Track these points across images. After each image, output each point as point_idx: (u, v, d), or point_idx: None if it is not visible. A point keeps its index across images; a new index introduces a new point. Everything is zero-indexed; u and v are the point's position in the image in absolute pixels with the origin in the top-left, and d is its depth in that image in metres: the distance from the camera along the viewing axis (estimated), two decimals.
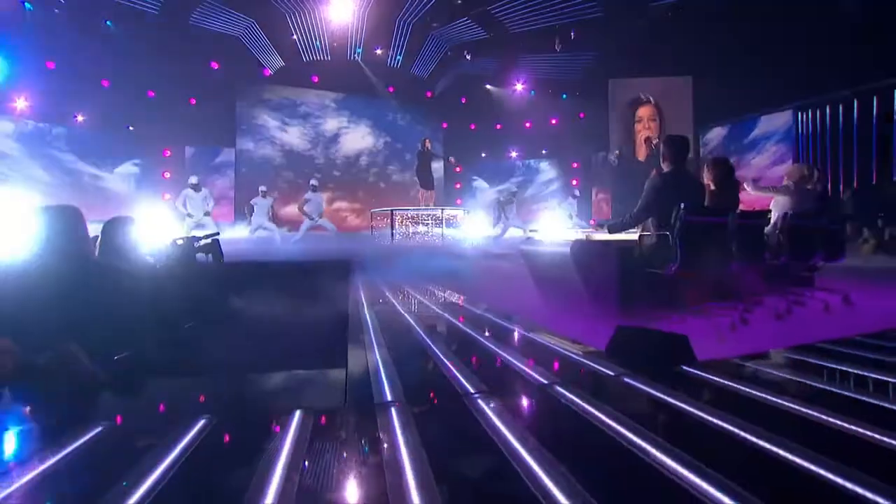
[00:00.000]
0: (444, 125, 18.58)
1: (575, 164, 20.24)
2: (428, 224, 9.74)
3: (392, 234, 9.43)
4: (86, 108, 13.57)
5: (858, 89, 11.61)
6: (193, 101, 15.18)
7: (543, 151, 20.45)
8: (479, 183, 20.46)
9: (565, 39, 13.90)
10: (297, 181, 15.82)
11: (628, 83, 15.60)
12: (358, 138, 17.02)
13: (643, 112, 15.33)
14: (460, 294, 4.71)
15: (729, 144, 15.22)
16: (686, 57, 14.04)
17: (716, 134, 15.55)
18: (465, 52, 14.49)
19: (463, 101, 18.26)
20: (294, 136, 16.02)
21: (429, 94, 17.48)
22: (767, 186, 5.10)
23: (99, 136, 14.44)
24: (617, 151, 15.70)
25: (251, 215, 9.76)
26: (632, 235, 3.99)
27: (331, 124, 16.60)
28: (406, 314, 3.94)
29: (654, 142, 15.22)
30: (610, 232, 3.97)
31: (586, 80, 16.42)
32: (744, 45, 12.72)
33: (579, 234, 4.75)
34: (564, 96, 17.72)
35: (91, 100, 13.50)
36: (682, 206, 3.27)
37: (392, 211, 9.61)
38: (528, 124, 20.02)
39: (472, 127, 19.91)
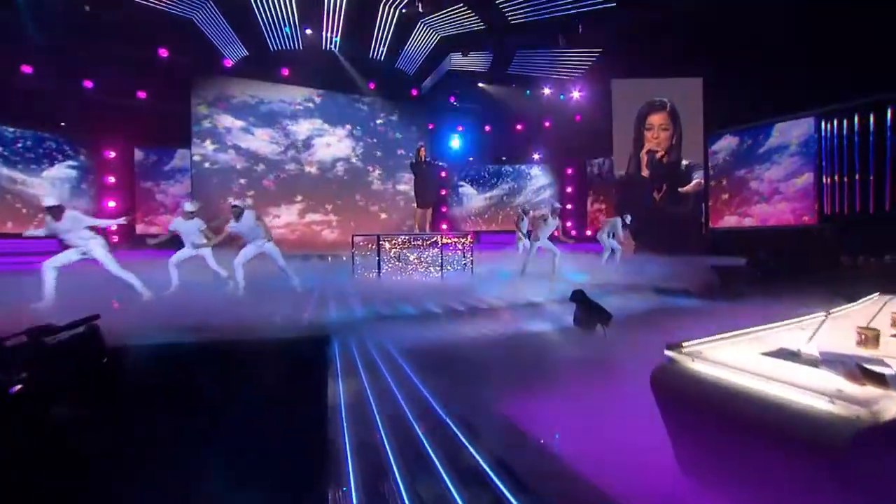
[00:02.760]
0: (431, 126, 16.83)
1: (569, 170, 18.87)
2: (424, 251, 7.98)
3: (379, 267, 7.60)
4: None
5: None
6: (144, 95, 12.95)
7: (536, 156, 19.01)
8: (467, 189, 18.86)
9: (571, 34, 12.35)
10: (267, 190, 13.79)
11: (633, 84, 14.22)
12: (334, 142, 14.98)
13: (655, 119, 13.94)
14: None
15: (740, 154, 14.04)
16: (697, 56, 12.69)
17: (726, 143, 14.34)
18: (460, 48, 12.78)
19: (452, 101, 16.53)
20: (261, 139, 13.86)
21: (415, 92, 15.67)
22: None
23: (20, 134, 12.09)
24: (627, 159, 14.29)
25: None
26: None
27: (303, 126, 14.52)
28: None
29: (659, 155, 13.87)
30: None
31: (587, 79, 14.99)
32: (761, 43, 11.40)
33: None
34: (562, 97, 16.25)
35: (6, 89, 11.17)
36: None
37: (378, 237, 7.77)
38: (519, 126, 18.53)
39: (460, 129, 18.27)
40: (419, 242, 7.92)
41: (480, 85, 15.85)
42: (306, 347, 3.99)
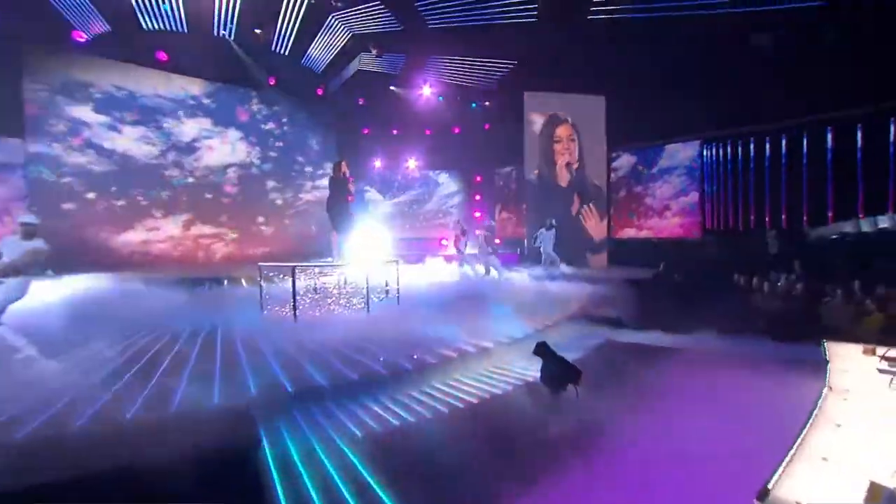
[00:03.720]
0: (333, 127, 15.50)
1: (478, 178, 18.85)
2: (343, 284, 6.97)
3: (294, 309, 6.38)
4: None
5: (769, 127, 11.85)
6: None
7: (445, 163, 18.65)
8: (372, 194, 17.85)
9: (488, 43, 12.07)
10: (140, 199, 11.34)
11: (543, 97, 14.47)
12: (225, 145, 12.95)
13: (561, 132, 14.34)
14: None
15: (637, 171, 15.07)
16: (601, 75, 13.24)
17: (625, 160, 15.31)
18: (372, 46, 11.76)
19: (360, 102, 15.38)
20: (130, 138, 11.33)
21: (320, 91, 14.24)
22: None
23: None
24: (536, 171, 14.49)
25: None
26: None
27: (188, 126, 12.28)
28: None
29: (575, 166, 14.36)
30: None
31: (500, 89, 14.93)
32: (659, 69, 12.22)
33: None
34: (474, 105, 16.03)
35: None
36: None
37: (294, 269, 6.56)
38: (427, 132, 17.99)
39: (366, 131, 17.16)
40: (338, 273, 6.92)
41: (392, 88, 14.96)
42: (217, 464, 2.91)
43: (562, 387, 4.38)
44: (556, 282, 9.96)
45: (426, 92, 15.33)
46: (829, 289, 7.50)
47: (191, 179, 12.29)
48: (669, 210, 14.57)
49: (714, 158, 13.46)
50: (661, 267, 11.17)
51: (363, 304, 7.08)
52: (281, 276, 7.17)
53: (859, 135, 10.23)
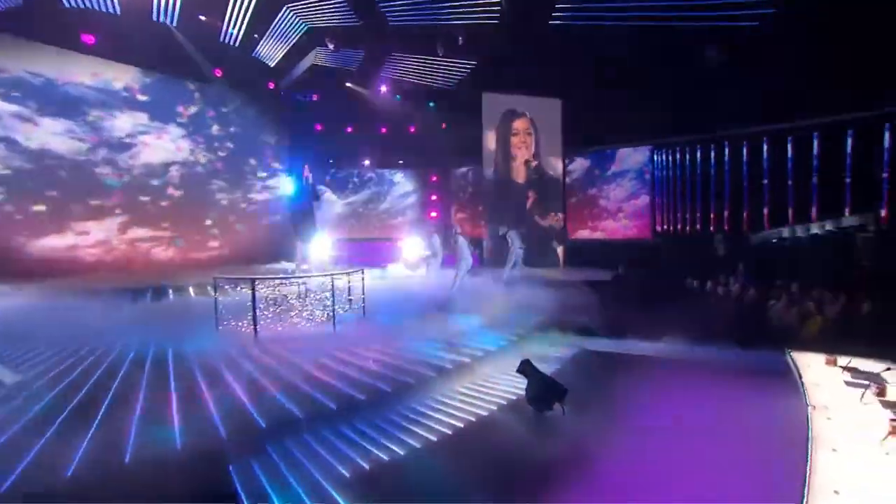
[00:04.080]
0: (285, 123, 14.73)
1: (434, 178, 18.65)
2: (304, 295, 6.52)
3: (255, 324, 5.87)
4: None
5: (717, 134, 12.53)
6: None
7: (400, 161, 18.29)
8: (326, 194, 17.20)
9: (450, 44, 11.88)
10: (60, 201, 10.10)
11: (502, 98, 14.48)
12: (166, 143, 11.89)
13: (519, 125, 14.43)
14: None
15: (591, 174, 15.48)
16: (557, 79, 13.44)
17: (579, 163, 15.70)
18: (329, 41, 11.20)
19: (314, 98, 14.71)
20: (52, 132, 9.99)
21: (271, 86, 13.45)
22: None
23: None
24: (493, 167, 14.53)
25: None
26: None
27: (121, 120, 11.08)
28: None
29: (534, 164, 14.49)
30: None
31: (459, 89, 14.79)
32: (614, 76, 12.58)
33: None
34: (432, 104, 15.77)
35: None
36: None
37: (253, 281, 6.05)
38: (383, 129, 17.57)
39: (319, 128, 16.47)
40: (301, 283, 6.50)
41: (348, 84, 14.41)
42: None
43: (548, 406, 4.31)
44: (521, 285, 9.97)
45: (383, 90, 14.91)
46: (774, 292, 8.00)
47: (126, 178, 11.18)
48: (622, 212, 15.11)
49: (664, 163, 14.10)
50: (619, 269, 11.54)
51: (328, 317, 6.70)
52: (237, 286, 6.64)
53: (790, 146, 11.07)
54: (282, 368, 4.86)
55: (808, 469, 2.46)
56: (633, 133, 14.02)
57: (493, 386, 4.95)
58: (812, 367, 4.15)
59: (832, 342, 5.23)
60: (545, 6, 10.71)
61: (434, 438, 3.88)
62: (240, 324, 6.30)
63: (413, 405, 4.44)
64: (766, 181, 11.58)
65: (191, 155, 12.32)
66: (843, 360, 4.11)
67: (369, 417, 4.13)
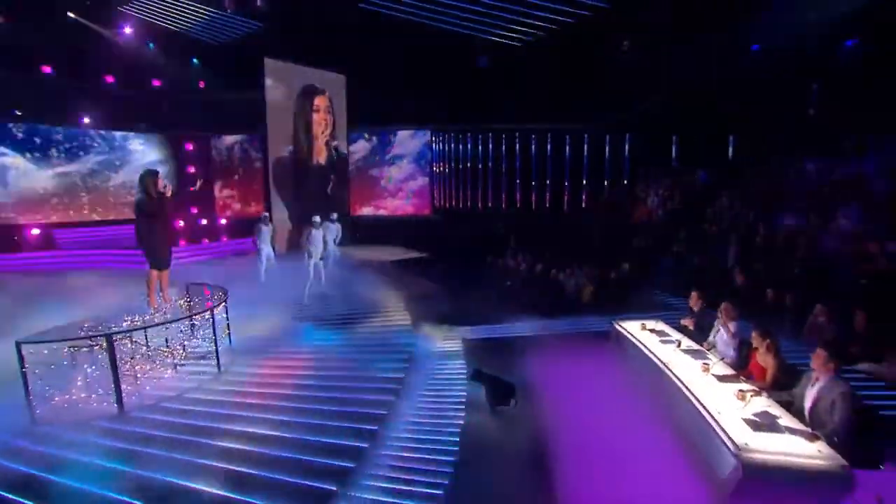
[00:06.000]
0: None
1: (189, 146, 15.60)
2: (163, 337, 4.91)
3: (119, 394, 3.95)
4: None
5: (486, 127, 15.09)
6: None
7: (142, 125, 14.54)
8: (13, 159, 12.37)
9: None
10: None
11: (286, 67, 13.05)
12: None
13: (319, 102, 13.52)
14: None
15: (373, 155, 16.08)
16: (343, 55, 13.24)
17: (362, 144, 16.06)
18: None
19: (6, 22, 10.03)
20: None
21: None
22: None
23: None
24: (291, 146, 13.32)
25: None
26: None
27: None
28: None
29: (334, 144, 13.97)
30: None
31: (236, 50, 12.60)
32: (401, 63, 13.40)
33: None
34: (196, 61, 12.99)
35: None
36: None
37: (110, 336, 4.10)
38: (110, 79, 13.54)
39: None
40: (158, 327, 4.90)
41: (71, 15, 10.43)
42: None
43: (504, 402, 5.07)
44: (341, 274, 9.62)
45: (127, 31, 11.44)
46: (550, 266, 10.51)
47: None
48: (402, 191, 16.36)
49: (442, 148, 16.01)
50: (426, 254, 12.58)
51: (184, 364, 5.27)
52: (67, 353, 4.47)
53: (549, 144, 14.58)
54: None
55: (704, 409, 3.92)
56: (413, 118, 15.25)
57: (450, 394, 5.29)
58: (637, 332, 6.03)
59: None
60: None
61: None
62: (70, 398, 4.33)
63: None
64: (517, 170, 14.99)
65: None
66: (650, 325, 6.20)
67: None
